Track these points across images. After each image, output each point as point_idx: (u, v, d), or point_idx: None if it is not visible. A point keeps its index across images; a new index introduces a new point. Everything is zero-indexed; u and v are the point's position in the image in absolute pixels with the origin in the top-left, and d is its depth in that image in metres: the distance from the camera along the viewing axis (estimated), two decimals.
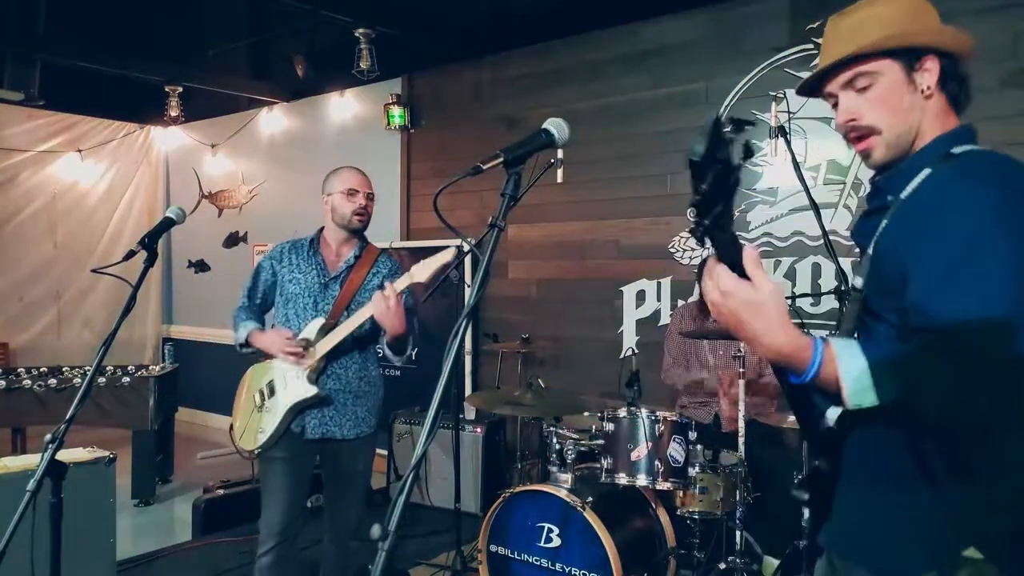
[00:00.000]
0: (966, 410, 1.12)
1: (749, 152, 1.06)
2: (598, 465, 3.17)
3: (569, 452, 3.22)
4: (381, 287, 2.74)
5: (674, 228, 4.41)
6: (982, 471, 1.22)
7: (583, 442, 3.27)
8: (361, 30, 4.74)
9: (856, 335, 1.33)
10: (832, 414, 1.20)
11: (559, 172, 4.52)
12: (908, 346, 1.18)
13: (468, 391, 5.19)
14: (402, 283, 2.57)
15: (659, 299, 4.50)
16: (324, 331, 2.71)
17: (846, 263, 3.76)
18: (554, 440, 3.30)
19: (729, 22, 4.19)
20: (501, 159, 1.34)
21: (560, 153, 4.53)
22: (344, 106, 6.18)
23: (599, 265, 4.77)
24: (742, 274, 1.12)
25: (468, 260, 4.59)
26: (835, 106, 1.37)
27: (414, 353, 5.53)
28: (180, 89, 6.16)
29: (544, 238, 5.03)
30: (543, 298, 5.05)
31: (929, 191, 1.25)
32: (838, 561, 1.39)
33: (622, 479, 3.07)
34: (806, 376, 1.15)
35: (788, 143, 3.13)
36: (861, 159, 1.38)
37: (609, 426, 3.11)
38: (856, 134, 1.35)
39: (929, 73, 1.31)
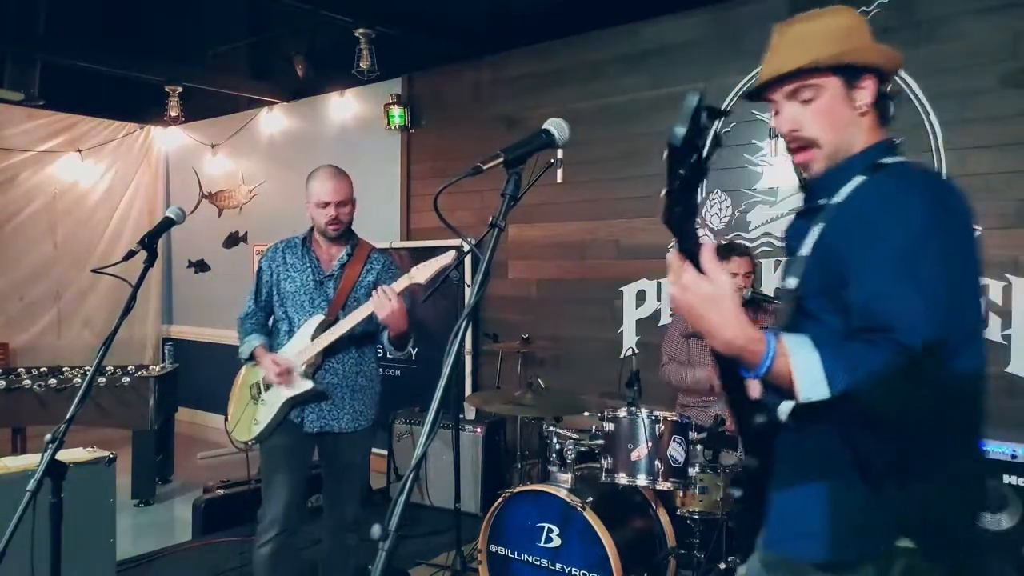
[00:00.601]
0: (906, 405, 1.17)
1: (718, 143, 1.07)
2: (598, 465, 3.17)
3: (569, 452, 3.22)
4: (376, 283, 2.79)
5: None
6: (916, 463, 1.27)
7: (583, 442, 3.27)
8: (361, 30, 4.74)
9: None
10: (785, 408, 1.22)
11: (559, 172, 4.53)
12: (857, 342, 1.21)
13: (468, 391, 5.19)
14: (402, 283, 2.62)
15: (659, 299, 4.50)
16: (323, 327, 2.76)
17: None
18: (554, 440, 3.30)
19: (729, 22, 4.19)
20: (501, 159, 1.34)
21: (560, 153, 4.53)
22: (344, 106, 6.18)
23: (599, 265, 4.77)
24: (699, 268, 1.15)
25: (468, 260, 4.59)
26: (776, 113, 1.42)
27: (414, 353, 5.53)
28: (180, 89, 6.15)
29: (544, 238, 5.03)
30: (543, 298, 5.05)
31: (867, 198, 1.31)
32: (777, 557, 1.41)
33: (622, 479, 3.07)
34: (760, 369, 1.17)
35: None
36: (801, 169, 1.44)
37: (609, 426, 3.11)
38: (797, 144, 1.40)
39: (865, 91, 1.38)
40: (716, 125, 1.09)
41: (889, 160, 1.37)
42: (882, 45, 1.40)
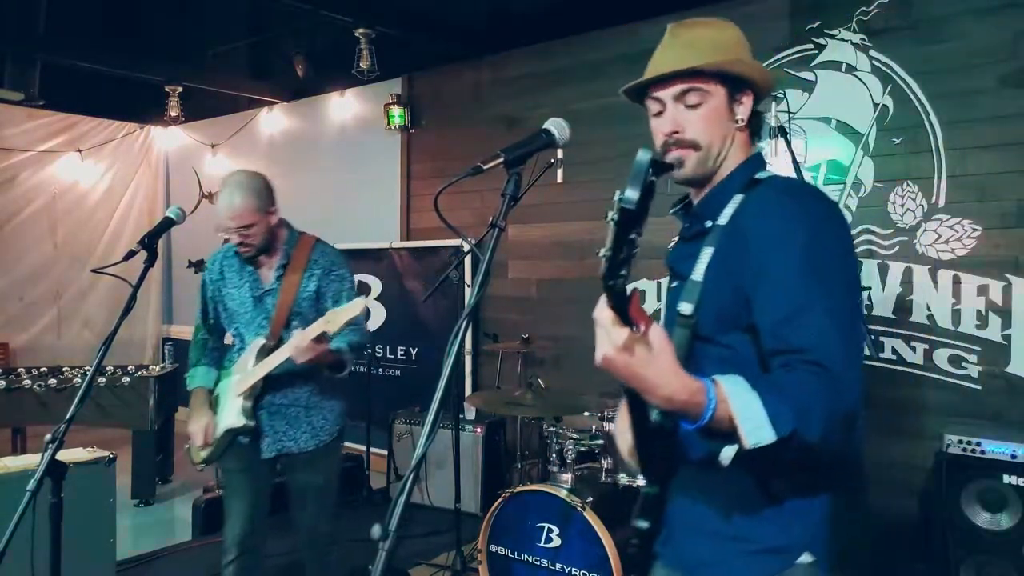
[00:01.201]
0: (840, 428, 1.16)
1: (652, 195, 1.02)
2: (598, 465, 3.17)
3: (569, 452, 3.22)
4: (319, 291, 2.59)
5: (674, 228, 4.40)
6: (821, 486, 1.31)
7: (583, 442, 3.27)
8: (361, 30, 4.74)
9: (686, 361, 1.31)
10: (727, 453, 1.19)
11: (559, 172, 4.53)
12: (789, 375, 1.18)
13: (468, 391, 5.18)
14: (315, 329, 2.37)
15: (659, 299, 4.50)
16: (264, 353, 2.55)
17: None
18: (554, 440, 3.30)
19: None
20: (501, 159, 1.34)
21: (560, 153, 4.53)
22: (344, 106, 6.18)
23: (599, 265, 4.75)
24: (627, 321, 1.08)
25: (468, 260, 4.59)
26: (658, 114, 1.43)
27: (414, 352, 5.53)
28: (180, 89, 6.16)
29: (544, 238, 5.03)
30: (543, 298, 5.05)
31: (752, 216, 1.31)
32: None
33: (622, 479, 3.07)
34: (702, 420, 1.11)
35: (788, 143, 3.13)
36: (673, 165, 1.42)
37: (609, 426, 3.11)
38: (678, 147, 1.39)
39: (744, 107, 1.41)
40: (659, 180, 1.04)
41: (763, 175, 1.39)
42: (760, 64, 1.43)
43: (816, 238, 1.24)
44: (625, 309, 1.07)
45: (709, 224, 1.37)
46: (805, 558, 1.30)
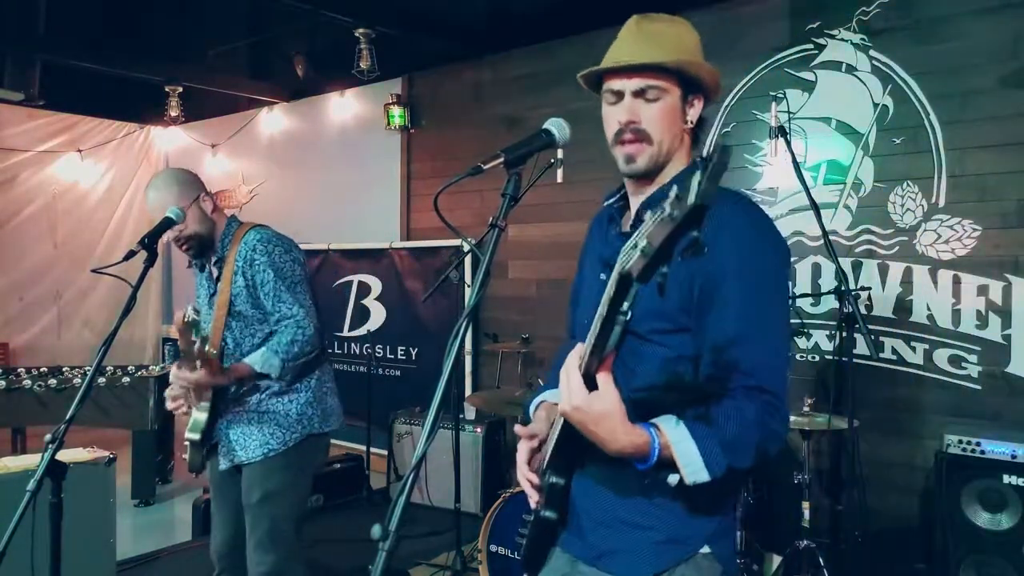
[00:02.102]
0: (772, 447, 1.30)
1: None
2: None
3: None
4: (249, 286, 2.38)
5: None
6: (725, 488, 1.35)
7: None
8: (361, 30, 4.74)
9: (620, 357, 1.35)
10: (673, 480, 1.29)
11: (559, 172, 4.53)
12: (729, 404, 1.28)
13: (468, 391, 5.18)
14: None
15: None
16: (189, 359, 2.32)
17: (846, 263, 3.76)
18: None
19: (729, 22, 4.19)
20: (501, 159, 1.34)
21: (560, 153, 4.53)
22: (344, 106, 6.18)
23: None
24: (592, 383, 1.21)
25: (468, 260, 4.59)
26: (614, 103, 1.43)
27: (414, 352, 5.53)
28: (180, 89, 6.16)
29: (544, 238, 5.02)
30: (543, 298, 5.04)
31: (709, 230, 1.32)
32: (584, 567, 1.45)
33: None
34: (647, 466, 1.26)
35: (788, 143, 3.13)
36: (623, 161, 1.43)
37: None
38: (632, 136, 1.40)
39: (695, 109, 1.43)
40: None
41: None
42: (715, 70, 1.43)
43: (770, 266, 1.34)
44: (592, 372, 1.20)
45: None
46: (705, 549, 1.37)
